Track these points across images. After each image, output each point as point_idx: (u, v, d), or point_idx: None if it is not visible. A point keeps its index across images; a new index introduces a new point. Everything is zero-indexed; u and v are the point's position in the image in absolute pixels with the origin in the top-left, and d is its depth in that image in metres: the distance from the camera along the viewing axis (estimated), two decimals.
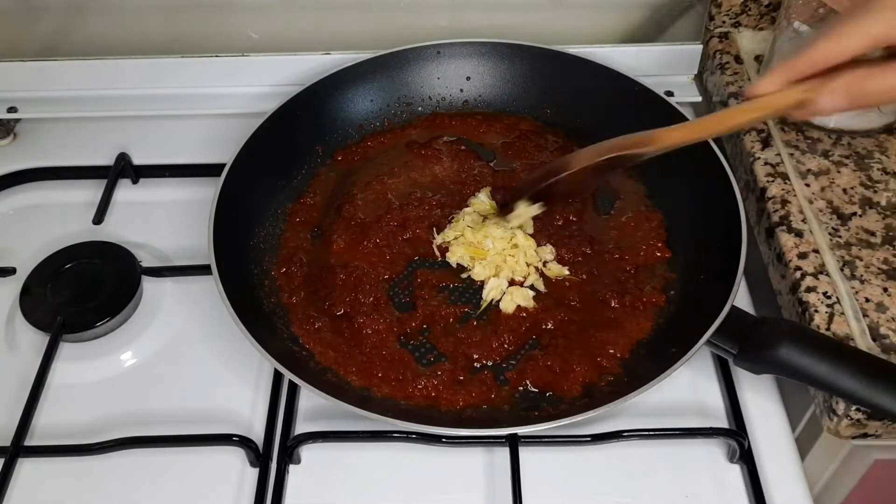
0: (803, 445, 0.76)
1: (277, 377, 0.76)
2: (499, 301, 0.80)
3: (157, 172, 0.96)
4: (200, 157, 0.95)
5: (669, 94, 0.95)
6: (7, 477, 0.69)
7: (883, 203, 0.81)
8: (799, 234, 0.78)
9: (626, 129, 0.91)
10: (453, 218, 0.86)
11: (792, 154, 0.86)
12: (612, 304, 0.78)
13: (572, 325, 0.78)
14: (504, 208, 0.81)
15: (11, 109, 0.99)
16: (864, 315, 0.72)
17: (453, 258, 0.83)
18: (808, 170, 0.84)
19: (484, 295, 0.80)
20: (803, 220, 0.79)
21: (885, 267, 0.76)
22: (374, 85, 0.96)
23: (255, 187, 0.86)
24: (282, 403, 0.75)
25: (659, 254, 0.82)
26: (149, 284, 0.84)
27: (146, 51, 1.00)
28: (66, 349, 0.79)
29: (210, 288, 0.75)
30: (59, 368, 0.78)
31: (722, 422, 0.74)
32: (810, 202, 0.81)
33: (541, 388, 0.74)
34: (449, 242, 0.84)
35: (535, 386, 0.74)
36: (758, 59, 0.96)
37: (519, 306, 0.79)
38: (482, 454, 0.72)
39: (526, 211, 0.79)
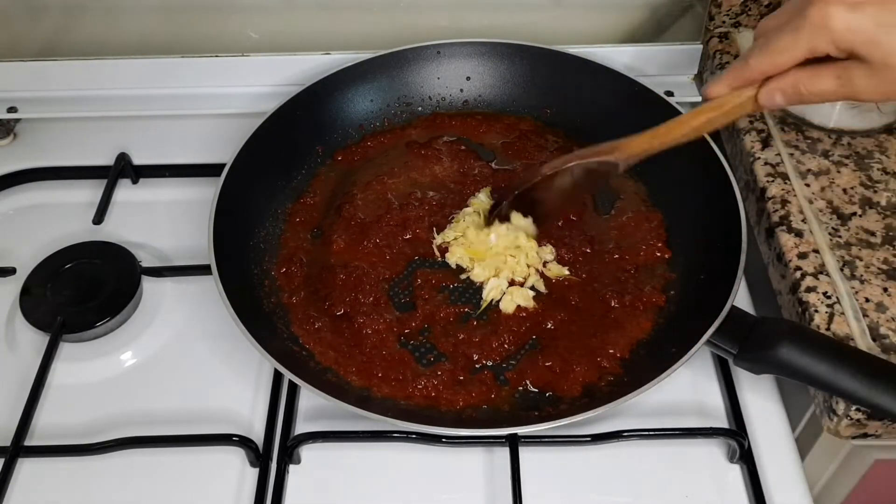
0: (803, 445, 0.76)
1: (277, 377, 0.76)
2: (499, 301, 0.80)
3: (157, 172, 0.96)
4: (200, 157, 0.95)
5: (669, 94, 0.95)
6: (7, 477, 0.69)
7: (883, 203, 0.81)
8: (799, 234, 0.78)
9: (626, 129, 0.92)
10: (453, 218, 0.86)
11: (792, 154, 0.86)
12: (612, 304, 0.78)
13: (572, 325, 0.78)
14: (496, 218, 0.82)
15: (11, 109, 0.99)
16: (864, 315, 0.72)
17: (453, 259, 0.83)
18: (808, 170, 0.84)
19: (484, 295, 0.80)
20: (803, 220, 0.79)
21: (885, 267, 0.76)
22: (374, 85, 0.96)
23: (255, 187, 0.86)
24: (282, 403, 0.75)
25: (659, 254, 0.82)
26: (149, 284, 0.84)
27: (146, 51, 1.00)
28: (66, 349, 0.79)
29: (210, 288, 0.75)
30: (59, 368, 0.78)
31: (722, 422, 0.74)
32: (810, 202, 0.81)
33: (541, 388, 0.74)
34: (449, 242, 0.84)
35: (535, 386, 0.74)
36: None
37: (519, 306, 0.79)
38: (482, 454, 0.72)
39: (519, 222, 0.81)
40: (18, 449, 0.71)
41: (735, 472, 0.71)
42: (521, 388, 0.74)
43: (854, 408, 0.67)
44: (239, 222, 0.83)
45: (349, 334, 0.77)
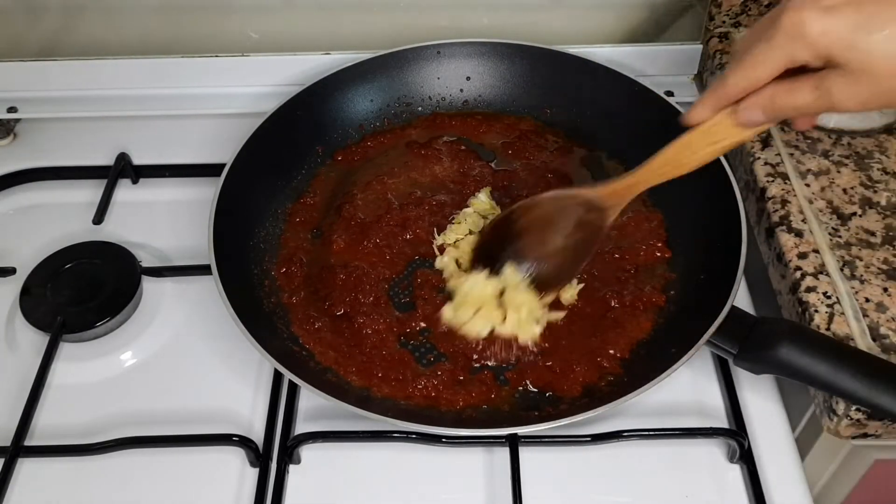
0: (803, 445, 0.76)
1: (277, 377, 0.76)
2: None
3: (157, 172, 0.96)
4: (200, 157, 0.95)
5: (669, 94, 0.95)
6: (7, 477, 0.69)
7: (883, 203, 0.81)
8: (799, 234, 0.78)
9: (626, 129, 0.92)
10: (454, 218, 0.86)
11: (792, 154, 0.86)
12: (612, 304, 0.78)
13: (572, 325, 0.77)
14: (483, 267, 0.78)
15: (11, 109, 0.99)
16: (864, 315, 0.72)
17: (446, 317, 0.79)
18: (808, 170, 0.84)
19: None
20: (803, 220, 0.79)
21: (885, 267, 0.76)
22: (374, 85, 0.96)
23: (255, 187, 0.86)
24: (282, 403, 0.75)
25: (659, 254, 0.82)
26: (149, 284, 0.84)
27: (146, 51, 1.00)
28: (66, 349, 0.79)
29: (210, 288, 0.75)
30: (59, 368, 0.78)
31: (722, 422, 0.74)
32: (810, 202, 0.81)
33: (541, 388, 0.74)
34: (449, 244, 0.83)
35: (535, 386, 0.74)
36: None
37: None
38: (482, 454, 0.72)
39: (512, 276, 0.77)
40: (18, 449, 0.71)
41: (735, 472, 0.71)
42: (521, 388, 0.74)
43: (854, 408, 0.67)
44: (239, 222, 0.83)
45: (349, 334, 0.77)
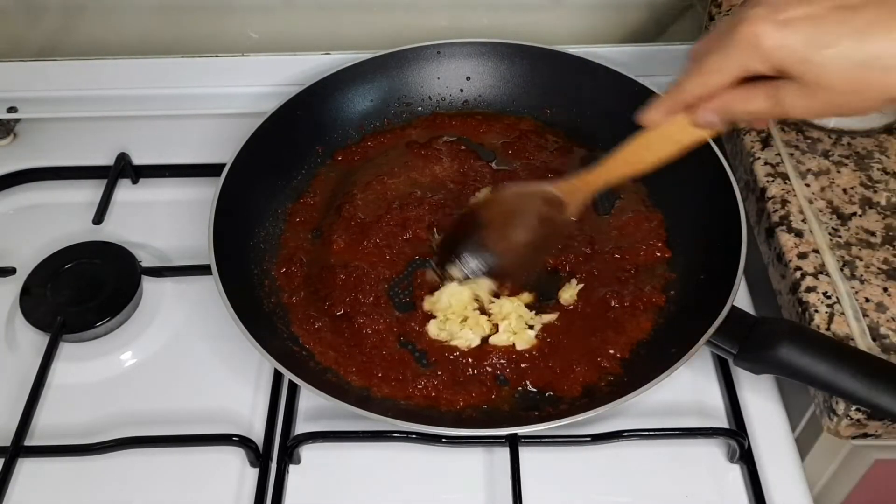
0: (803, 445, 0.76)
1: (277, 377, 0.76)
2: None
3: (157, 172, 0.96)
4: (200, 157, 0.95)
5: None
6: (7, 477, 0.69)
7: (883, 203, 0.81)
8: (799, 234, 0.78)
9: (626, 129, 0.91)
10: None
11: (792, 154, 0.86)
12: (612, 304, 0.78)
13: (572, 325, 0.77)
14: (448, 262, 0.78)
15: (11, 109, 0.99)
16: (864, 315, 0.72)
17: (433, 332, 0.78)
18: (808, 170, 0.84)
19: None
20: (803, 220, 0.79)
21: (885, 267, 0.76)
22: (374, 85, 0.96)
23: (255, 187, 0.86)
24: (282, 403, 0.75)
25: (659, 254, 0.82)
26: (149, 284, 0.84)
27: (146, 51, 1.00)
28: (66, 349, 0.79)
29: (210, 288, 0.75)
30: (59, 368, 0.78)
31: (722, 422, 0.74)
32: (810, 202, 0.81)
33: (541, 388, 0.74)
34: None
35: (535, 386, 0.74)
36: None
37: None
38: (482, 454, 0.72)
39: (476, 273, 0.78)
40: (18, 449, 0.71)
41: (735, 472, 0.71)
42: (521, 388, 0.74)
43: (854, 408, 0.67)
44: (239, 222, 0.83)
45: (349, 334, 0.77)
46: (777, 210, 0.81)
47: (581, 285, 0.80)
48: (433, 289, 0.80)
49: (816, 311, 0.73)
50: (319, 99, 0.92)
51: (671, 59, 0.99)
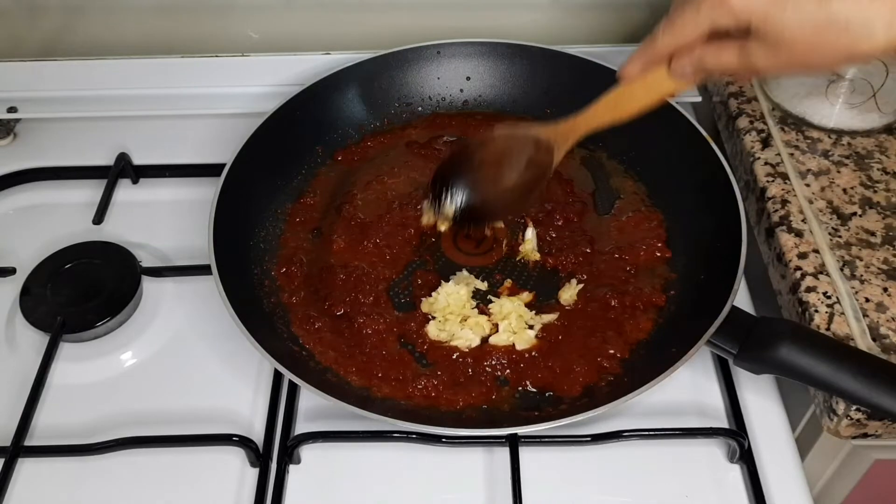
0: (803, 445, 0.76)
1: (277, 377, 0.76)
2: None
3: (157, 172, 0.96)
4: (200, 157, 0.95)
5: None
6: (7, 477, 0.69)
7: (883, 203, 0.81)
8: (799, 234, 0.78)
9: (626, 129, 0.92)
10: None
11: (792, 154, 0.86)
12: (612, 304, 0.78)
13: (572, 325, 0.77)
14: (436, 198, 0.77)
15: (11, 109, 0.99)
16: (864, 315, 0.72)
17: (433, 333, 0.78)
18: (808, 170, 0.84)
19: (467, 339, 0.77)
20: (803, 220, 0.79)
21: (885, 267, 0.76)
22: (374, 85, 0.96)
23: (255, 187, 0.86)
24: (282, 403, 0.75)
25: (659, 254, 0.82)
26: (149, 284, 0.84)
27: (146, 51, 1.00)
28: (66, 349, 0.79)
29: (210, 288, 0.75)
30: (59, 368, 0.78)
31: (722, 422, 0.74)
32: (810, 202, 0.81)
33: (541, 388, 0.74)
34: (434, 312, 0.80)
35: (535, 386, 0.74)
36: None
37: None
38: (482, 454, 0.72)
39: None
40: (18, 449, 0.71)
41: (735, 472, 0.71)
42: (521, 388, 0.74)
43: (854, 408, 0.67)
44: (239, 222, 0.83)
45: (349, 334, 0.77)
46: (777, 210, 0.81)
47: (581, 285, 0.80)
48: (432, 289, 0.80)
49: (816, 311, 0.73)
50: (319, 99, 0.92)
51: None
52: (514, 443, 0.69)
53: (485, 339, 0.77)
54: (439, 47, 0.96)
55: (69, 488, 0.71)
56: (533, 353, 0.75)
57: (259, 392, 0.76)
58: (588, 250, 0.83)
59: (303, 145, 0.92)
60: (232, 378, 0.77)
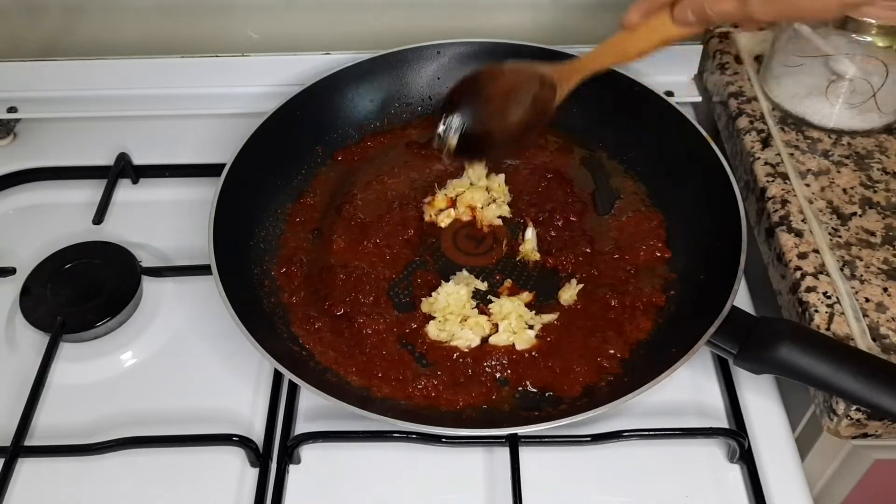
0: (803, 445, 0.76)
1: (277, 377, 0.76)
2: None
3: (157, 172, 0.96)
4: (200, 157, 0.95)
5: (669, 94, 0.95)
6: (7, 477, 0.69)
7: (883, 203, 0.81)
8: (799, 234, 0.78)
9: (626, 129, 0.92)
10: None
11: (792, 154, 0.86)
12: (612, 304, 0.78)
13: (572, 325, 0.77)
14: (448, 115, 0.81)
15: (11, 109, 0.99)
16: (864, 315, 0.72)
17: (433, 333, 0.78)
18: (808, 170, 0.84)
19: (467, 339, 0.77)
20: (803, 220, 0.79)
21: (885, 267, 0.76)
22: (374, 85, 0.96)
23: (255, 187, 0.86)
24: (282, 403, 0.75)
25: (659, 254, 0.82)
26: (149, 284, 0.84)
27: (146, 51, 1.00)
28: (66, 349, 0.79)
29: (210, 288, 0.75)
30: (59, 368, 0.78)
31: (722, 422, 0.74)
32: (810, 202, 0.81)
33: (541, 388, 0.74)
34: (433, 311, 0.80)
35: (535, 386, 0.74)
36: (758, 59, 0.96)
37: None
38: (482, 454, 0.72)
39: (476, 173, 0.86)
40: (18, 449, 0.71)
41: (735, 472, 0.71)
42: (521, 388, 0.74)
43: (854, 408, 0.67)
44: (239, 222, 0.83)
45: (349, 334, 0.77)
46: (777, 210, 0.81)
47: (581, 285, 0.80)
48: (432, 289, 0.80)
49: (816, 311, 0.73)
50: (319, 99, 0.93)
51: (671, 59, 0.99)
52: (514, 443, 0.69)
53: (485, 339, 0.77)
54: (439, 47, 0.96)
55: (69, 488, 0.71)
56: (533, 353, 0.75)
57: (259, 392, 0.76)
58: (588, 250, 0.83)
59: (303, 145, 0.92)
60: (232, 378, 0.77)
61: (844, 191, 0.82)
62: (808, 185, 0.83)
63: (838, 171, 0.84)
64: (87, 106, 1.00)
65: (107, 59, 1.00)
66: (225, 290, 0.73)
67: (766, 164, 0.85)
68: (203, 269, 0.80)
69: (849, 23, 0.80)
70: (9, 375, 0.78)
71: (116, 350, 0.80)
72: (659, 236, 0.84)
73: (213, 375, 0.78)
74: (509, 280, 0.82)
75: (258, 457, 0.71)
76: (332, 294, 0.79)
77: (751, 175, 0.86)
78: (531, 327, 0.77)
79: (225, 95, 1.00)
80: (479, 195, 0.87)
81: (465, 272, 0.82)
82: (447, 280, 0.81)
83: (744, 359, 0.69)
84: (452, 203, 0.87)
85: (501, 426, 0.70)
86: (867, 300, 0.73)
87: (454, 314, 0.78)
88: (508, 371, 0.74)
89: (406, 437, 0.70)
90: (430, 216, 0.86)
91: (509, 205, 0.88)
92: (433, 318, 0.78)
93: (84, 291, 0.81)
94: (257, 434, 0.73)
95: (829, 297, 0.73)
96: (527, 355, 0.75)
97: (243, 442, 0.70)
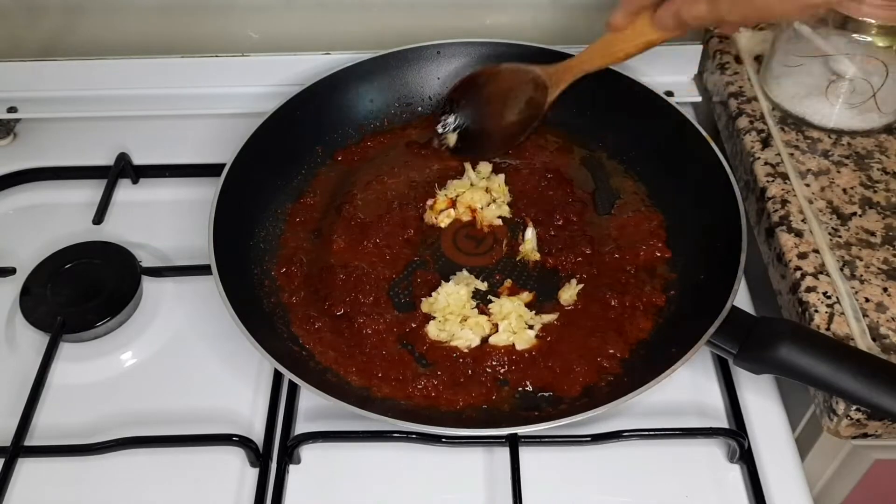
0: (803, 445, 0.76)
1: (277, 377, 0.76)
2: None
3: (157, 172, 0.96)
4: (200, 157, 0.95)
5: (669, 94, 0.95)
6: (7, 477, 0.69)
7: (883, 203, 0.81)
8: (799, 234, 0.78)
9: (626, 129, 0.92)
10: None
11: (792, 154, 0.86)
12: (612, 304, 0.78)
13: (572, 325, 0.77)
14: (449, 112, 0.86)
15: (11, 109, 0.99)
16: (864, 315, 0.72)
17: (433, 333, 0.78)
18: (808, 170, 0.84)
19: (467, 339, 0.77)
20: (803, 220, 0.79)
21: (885, 267, 0.76)
22: (374, 85, 0.95)
23: (255, 187, 0.86)
24: (282, 403, 0.75)
25: (659, 254, 0.82)
26: (149, 284, 0.84)
27: (146, 51, 1.00)
28: (66, 349, 0.79)
29: (210, 288, 0.75)
30: (59, 368, 0.78)
31: (722, 422, 0.74)
32: (810, 202, 0.81)
33: (541, 388, 0.74)
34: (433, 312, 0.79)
35: (534, 386, 0.74)
36: (758, 59, 0.96)
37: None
38: (482, 454, 0.72)
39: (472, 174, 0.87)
40: (18, 449, 0.71)
41: (735, 472, 0.71)
42: (521, 388, 0.74)
43: (854, 408, 0.67)
44: (239, 222, 0.83)
45: (349, 334, 0.77)
46: (777, 210, 0.81)
47: (581, 285, 0.80)
48: (432, 289, 0.80)
49: (816, 311, 0.73)
50: (319, 99, 0.92)
51: (671, 59, 0.99)
52: (514, 443, 0.69)
53: (485, 339, 0.77)
54: (439, 47, 0.96)
55: (69, 488, 0.71)
56: (533, 353, 0.75)
57: (259, 392, 0.76)
58: (588, 250, 0.83)
59: (303, 145, 0.92)
60: (232, 378, 0.77)
61: (844, 191, 0.82)
62: (808, 185, 0.83)
63: (838, 171, 0.84)
64: (87, 106, 1.00)
65: (107, 59, 1.00)
66: (225, 290, 0.73)
67: (766, 164, 0.85)
68: (203, 269, 0.80)
69: (849, 23, 0.80)
70: (9, 375, 0.78)
71: (116, 350, 0.80)
72: (659, 236, 0.84)
73: (213, 375, 0.78)
74: (509, 280, 0.82)
75: (258, 457, 0.71)
76: (332, 294, 0.79)
77: (751, 175, 0.86)
78: (531, 327, 0.77)
79: (225, 95, 1.00)
80: (479, 196, 0.87)
81: (465, 272, 0.82)
82: (447, 280, 0.81)
83: (744, 359, 0.69)
84: (452, 203, 0.87)
85: (501, 426, 0.70)
86: (867, 300, 0.73)
87: (454, 314, 0.78)
88: (508, 371, 0.74)
89: (406, 437, 0.70)
90: (432, 219, 0.86)
91: (509, 205, 0.88)
92: (433, 318, 0.78)
93: (84, 291, 0.81)
94: (257, 434, 0.73)
95: (829, 297, 0.73)
96: (527, 355, 0.75)
97: (243, 442, 0.70)
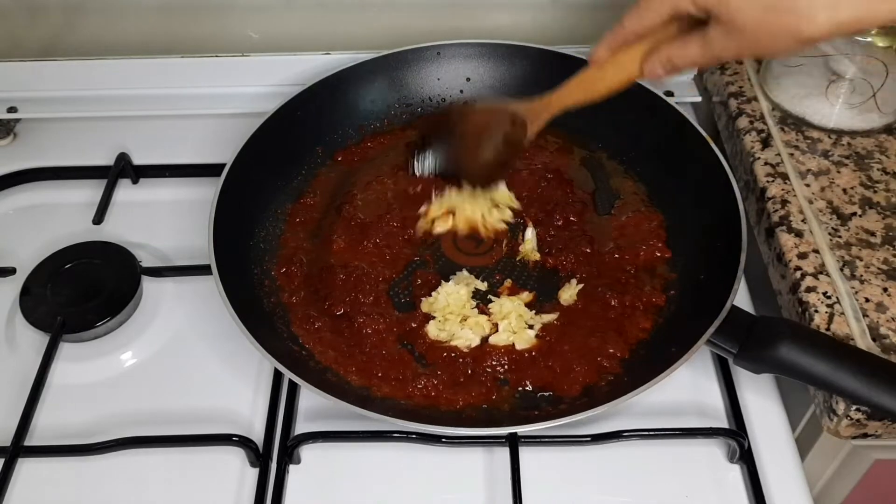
0: (803, 445, 0.76)
1: (277, 377, 0.76)
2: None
3: (157, 172, 0.96)
4: (200, 157, 0.95)
5: (669, 94, 0.95)
6: (7, 477, 0.69)
7: (883, 203, 0.81)
8: (799, 234, 0.78)
9: (626, 130, 0.92)
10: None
11: (792, 154, 0.86)
12: (612, 304, 0.78)
13: (572, 325, 0.77)
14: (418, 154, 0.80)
15: (11, 109, 0.99)
16: (864, 315, 0.72)
17: (433, 333, 0.78)
18: (808, 170, 0.84)
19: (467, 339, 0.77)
20: (803, 220, 0.79)
21: (885, 267, 0.76)
22: (374, 85, 0.96)
23: (255, 187, 0.86)
24: (282, 403, 0.75)
25: (659, 254, 0.82)
26: (149, 284, 0.84)
27: (146, 51, 1.00)
28: (66, 349, 0.79)
29: (210, 288, 0.75)
30: (59, 368, 0.78)
31: (722, 422, 0.74)
32: (810, 202, 0.81)
33: (541, 387, 0.74)
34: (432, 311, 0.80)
35: (534, 386, 0.74)
36: (758, 59, 0.96)
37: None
38: (482, 454, 0.72)
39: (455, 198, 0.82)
40: (18, 449, 0.71)
41: (735, 472, 0.71)
42: (521, 388, 0.74)
43: (854, 408, 0.67)
44: (239, 222, 0.83)
45: (349, 334, 0.77)
46: (777, 210, 0.81)
47: (581, 285, 0.80)
48: (432, 289, 0.80)
49: (816, 311, 0.73)
50: (319, 99, 0.92)
51: None
52: (513, 442, 0.69)
53: (485, 339, 0.77)
54: (439, 48, 0.96)
55: (69, 488, 0.71)
56: (533, 353, 0.75)
57: (259, 392, 0.76)
58: (588, 250, 0.83)
59: (303, 145, 0.92)
60: (232, 378, 0.77)
61: (844, 191, 0.82)
62: (808, 186, 0.83)
63: (838, 172, 0.84)
64: (87, 106, 1.00)
65: (107, 59, 1.00)
66: (225, 290, 0.73)
67: (766, 164, 0.85)
68: (203, 269, 0.80)
69: None
70: (9, 375, 0.78)
71: (116, 350, 0.80)
72: (659, 236, 0.84)
73: (213, 375, 0.78)
74: (509, 280, 0.82)
75: (258, 457, 0.71)
76: (332, 294, 0.79)
77: (751, 175, 0.86)
78: (531, 327, 0.77)
79: (225, 95, 1.00)
80: (480, 204, 0.84)
81: (465, 272, 0.82)
82: (447, 280, 0.81)
83: (744, 358, 0.69)
84: (450, 213, 0.86)
85: (501, 426, 0.70)
86: (867, 300, 0.73)
87: (454, 314, 0.78)
88: (508, 371, 0.75)
89: (406, 436, 0.70)
90: (427, 226, 0.84)
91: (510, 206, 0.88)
92: (433, 317, 0.78)
93: (84, 291, 0.81)
94: (257, 434, 0.73)
95: (829, 297, 0.73)
96: (527, 355, 0.75)
97: (243, 442, 0.70)
